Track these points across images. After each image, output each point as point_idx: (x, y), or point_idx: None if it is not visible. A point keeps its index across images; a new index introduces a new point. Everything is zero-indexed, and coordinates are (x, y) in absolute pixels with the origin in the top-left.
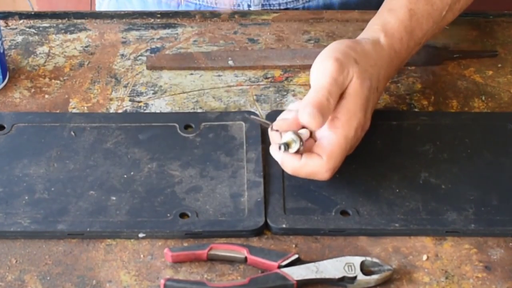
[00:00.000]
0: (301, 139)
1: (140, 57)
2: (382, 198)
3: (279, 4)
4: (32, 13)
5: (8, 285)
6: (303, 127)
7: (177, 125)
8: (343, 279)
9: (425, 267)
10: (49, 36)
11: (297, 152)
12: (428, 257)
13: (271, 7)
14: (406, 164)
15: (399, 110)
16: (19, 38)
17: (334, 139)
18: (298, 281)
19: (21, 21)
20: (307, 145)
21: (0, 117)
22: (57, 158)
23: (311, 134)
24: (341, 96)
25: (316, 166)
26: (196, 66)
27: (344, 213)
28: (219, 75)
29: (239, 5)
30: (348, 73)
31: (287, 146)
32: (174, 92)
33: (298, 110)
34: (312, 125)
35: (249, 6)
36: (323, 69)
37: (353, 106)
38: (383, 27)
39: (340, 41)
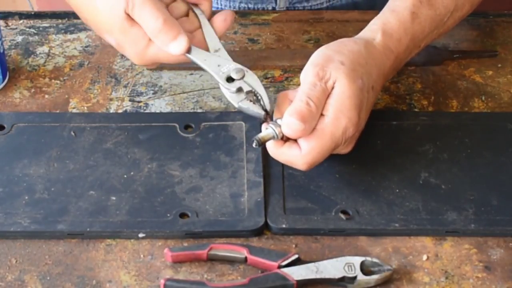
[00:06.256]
0: (283, 134)
1: None
2: (382, 198)
3: (304, 7)
4: (32, 13)
5: (8, 285)
6: None
7: (177, 125)
8: (343, 279)
9: (425, 267)
10: (49, 36)
11: (282, 138)
12: (428, 257)
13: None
14: (406, 164)
15: (399, 110)
16: (19, 38)
17: (317, 135)
18: (298, 281)
19: (21, 21)
20: None
21: (0, 117)
22: (57, 158)
23: None
24: (328, 96)
25: (294, 157)
26: (196, 66)
27: (344, 213)
28: None
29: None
30: (330, 76)
31: (260, 141)
32: (174, 92)
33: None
34: (294, 134)
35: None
36: (303, 77)
37: (341, 105)
38: (382, 26)
39: (328, 45)
